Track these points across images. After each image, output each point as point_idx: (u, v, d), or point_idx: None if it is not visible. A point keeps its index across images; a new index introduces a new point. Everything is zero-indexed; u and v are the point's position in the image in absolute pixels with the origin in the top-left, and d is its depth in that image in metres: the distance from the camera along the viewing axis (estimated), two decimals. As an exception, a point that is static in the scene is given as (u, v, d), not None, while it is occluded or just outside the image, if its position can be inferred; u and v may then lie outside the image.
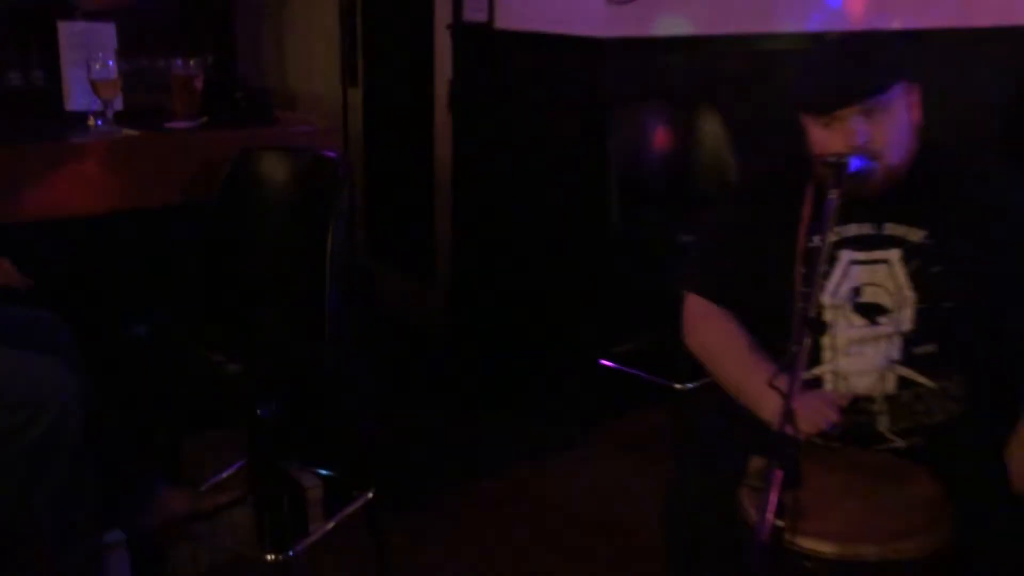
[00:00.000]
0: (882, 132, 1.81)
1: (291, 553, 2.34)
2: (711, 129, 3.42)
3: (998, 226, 1.89)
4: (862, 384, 1.89)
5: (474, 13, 3.71)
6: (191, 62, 3.09)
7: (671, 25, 3.40)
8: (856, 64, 1.86)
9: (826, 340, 1.90)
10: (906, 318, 1.87)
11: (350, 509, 2.57)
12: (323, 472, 2.68)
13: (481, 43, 3.75)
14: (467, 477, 3.11)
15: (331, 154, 2.53)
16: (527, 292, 3.79)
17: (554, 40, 3.43)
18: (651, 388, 3.31)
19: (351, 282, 2.33)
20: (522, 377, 3.76)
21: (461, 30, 3.82)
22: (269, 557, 2.33)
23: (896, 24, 3.91)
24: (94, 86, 2.82)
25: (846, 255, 1.91)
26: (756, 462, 1.69)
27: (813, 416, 1.76)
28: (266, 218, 2.55)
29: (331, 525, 2.57)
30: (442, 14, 3.90)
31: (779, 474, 1.39)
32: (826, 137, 1.84)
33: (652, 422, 3.43)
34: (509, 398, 3.65)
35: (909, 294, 1.87)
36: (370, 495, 2.58)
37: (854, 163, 1.76)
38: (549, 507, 2.97)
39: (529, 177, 3.68)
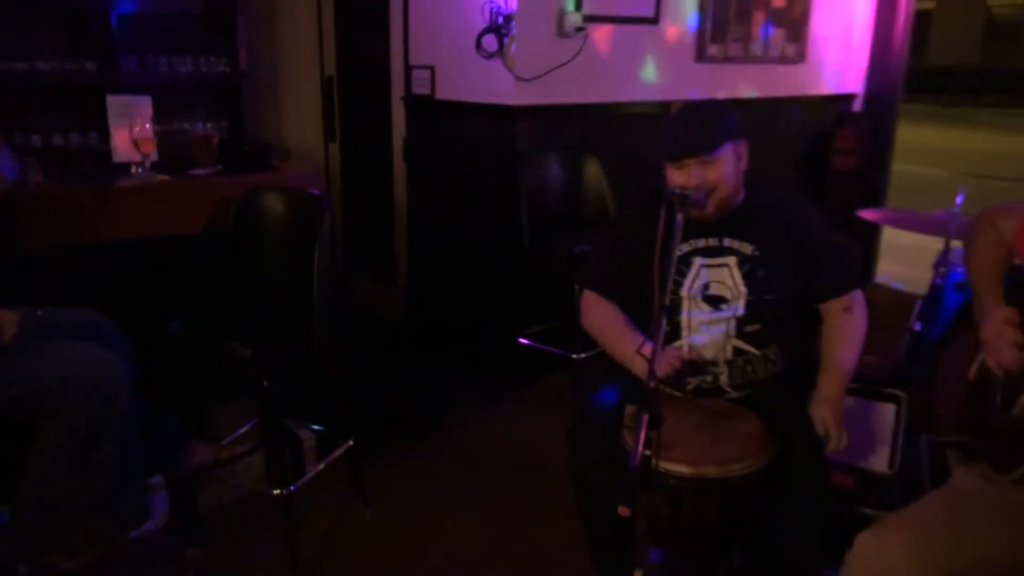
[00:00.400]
0: (714, 175, 1.85)
1: (291, 489, 2.30)
2: (593, 171, 3.44)
3: (799, 239, 1.95)
4: (709, 353, 1.92)
5: (421, 88, 3.69)
6: (209, 124, 3.04)
7: (563, 96, 3.42)
8: (697, 127, 1.89)
9: (683, 321, 1.93)
10: (740, 306, 1.91)
11: (336, 455, 2.54)
12: (315, 427, 2.64)
13: (426, 110, 3.72)
14: (424, 430, 3.07)
15: (316, 192, 2.50)
16: (465, 291, 3.78)
17: (479, 107, 3.42)
18: (556, 359, 3.33)
19: (334, 286, 2.29)
20: (462, 354, 3.74)
21: (411, 100, 3.79)
22: (275, 492, 2.29)
23: (723, 94, 4.00)
24: (135, 143, 2.74)
25: (698, 260, 1.94)
26: (630, 409, 1.70)
27: (663, 364, 1.79)
28: (268, 240, 2.50)
29: (321, 467, 2.53)
30: (397, 88, 3.87)
31: (646, 417, 1.40)
32: (677, 176, 1.87)
33: (558, 384, 3.43)
34: (453, 370, 3.63)
35: (742, 290, 1.91)
36: (350, 443, 2.55)
37: (694, 195, 1.79)
38: (484, 450, 2.95)
39: (465, 207, 3.67)
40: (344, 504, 2.55)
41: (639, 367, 1.72)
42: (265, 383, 2.20)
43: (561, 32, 3.31)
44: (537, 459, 2.83)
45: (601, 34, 3.46)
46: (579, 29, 3.30)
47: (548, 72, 3.31)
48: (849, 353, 1.91)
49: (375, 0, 3.85)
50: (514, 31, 3.20)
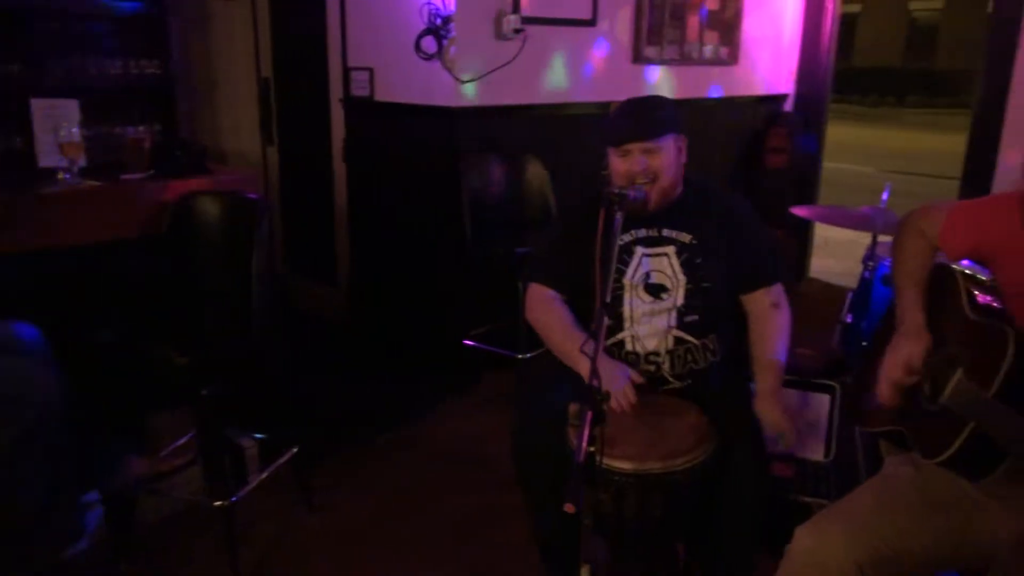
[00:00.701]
0: (657, 164, 1.88)
1: (233, 499, 2.24)
2: (535, 172, 3.45)
3: (732, 228, 2.00)
4: (651, 343, 1.95)
5: (359, 89, 3.65)
6: (140, 128, 2.95)
7: (503, 97, 3.42)
8: (640, 116, 1.93)
9: (626, 312, 1.95)
10: (679, 296, 1.94)
11: (280, 462, 2.48)
12: (257, 435, 2.58)
13: (365, 111, 3.68)
14: (370, 433, 3.03)
15: (253, 196, 2.44)
16: (408, 292, 3.75)
17: (419, 109, 3.40)
18: (501, 358, 3.33)
19: (272, 290, 2.25)
20: (407, 355, 3.71)
21: (350, 102, 3.74)
22: (216, 503, 2.23)
23: (660, 95, 4.05)
24: (61, 148, 2.63)
25: (640, 250, 1.97)
26: (574, 407, 1.70)
27: (621, 399, 1.80)
28: (204, 245, 2.44)
29: (265, 475, 2.47)
30: (335, 90, 3.81)
31: (590, 414, 1.40)
32: (620, 163, 1.90)
33: (504, 383, 3.43)
34: (398, 372, 3.58)
35: (681, 278, 1.95)
36: (294, 450, 2.50)
37: (632, 194, 1.81)
38: (432, 451, 2.93)
39: (406, 208, 3.63)
40: (290, 512, 2.50)
41: (583, 366, 1.73)
42: (203, 391, 2.14)
43: (500, 34, 3.31)
44: (486, 458, 2.82)
45: (540, 36, 3.47)
46: (517, 31, 3.31)
47: (488, 74, 3.31)
48: (782, 348, 1.96)
49: (311, 1, 3.79)
50: (453, 33, 3.19)
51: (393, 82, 3.51)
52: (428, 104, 3.35)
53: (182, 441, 2.50)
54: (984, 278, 1.64)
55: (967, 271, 1.71)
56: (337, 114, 3.85)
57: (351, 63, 3.68)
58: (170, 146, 3.23)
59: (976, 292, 1.60)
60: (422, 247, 3.60)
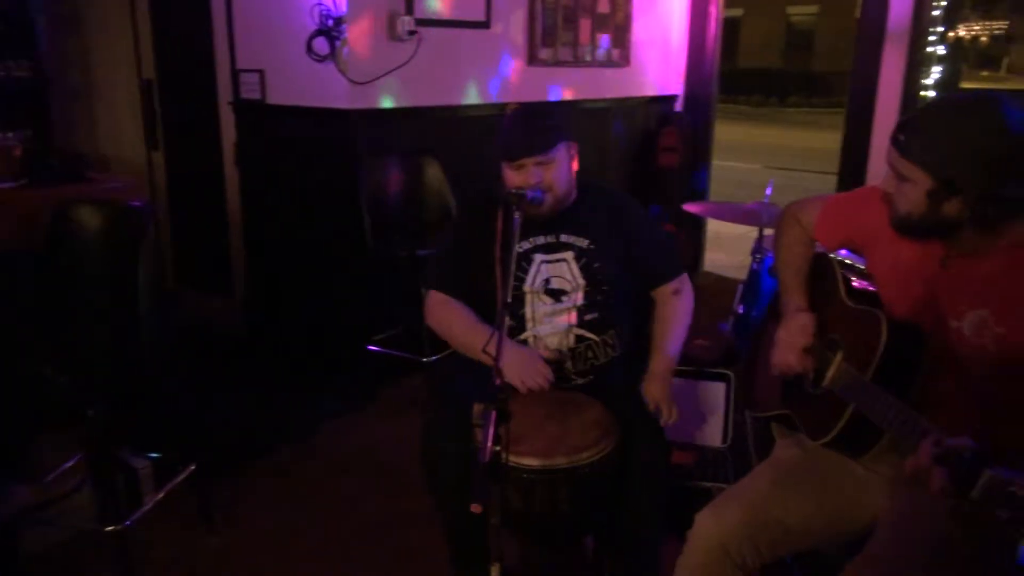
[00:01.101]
0: (551, 175, 1.91)
1: (127, 523, 2.13)
2: (433, 173, 3.44)
3: (627, 231, 2.05)
4: (553, 342, 1.98)
5: (250, 92, 3.54)
6: (10, 134, 2.76)
7: (400, 99, 3.40)
8: (532, 129, 1.93)
9: (528, 313, 1.98)
10: (579, 297, 1.98)
11: (176, 481, 2.38)
12: (152, 455, 2.46)
13: (257, 115, 3.57)
14: (272, 446, 2.94)
15: (136, 204, 2.32)
16: (308, 300, 3.66)
17: (313, 112, 3.33)
18: (407, 363, 3.30)
19: (161, 303, 2.15)
20: (309, 365, 3.62)
21: (240, 105, 3.62)
22: (108, 528, 2.11)
23: (555, 96, 4.12)
24: (-82, 156, 2.44)
25: (538, 256, 1.99)
26: (478, 407, 1.71)
27: (530, 375, 1.82)
28: (84, 257, 2.30)
29: (161, 496, 2.36)
30: (224, 92, 3.69)
31: (494, 413, 1.41)
32: (514, 176, 1.91)
33: (411, 387, 3.40)
34: (300, 382, 3.50)
35: (580, 282, 1.99)
36: (192, 468, 2.40)
37: (530, 194, 1.84)
38: (337, 460, 2.87)
39: (303, 213, 3.55)
40: (190, 533, 2.40)
41: (487, 360, 1.74)
42: (89, 412, 2.03)
43: (393, 35, 3.28)
44: (393, 464, 2.79)
45: (434, 38, 3.46)
46: (412, 32, 3.29)
47: (383, 76, 3.27)
48: (675, 333, 2.03)
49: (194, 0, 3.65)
50: (345, 34, 3.14)
51: (285, 84, 3.42)
52: (323, 107, 3.29)
53: (69, 464, 2.36)
54: (861, 266, 1.75)
55: (846, 260, 1.82)
56: (227, 117, 3.72)
57: (240, 65, 3.57)
58: (44, 153, 3.06)
59: (852, 279, 1.70)
60: (321, 253, 3.53)
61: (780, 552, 1.57)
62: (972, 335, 1.39)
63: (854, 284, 1.69)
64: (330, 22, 3.13)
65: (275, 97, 3.47)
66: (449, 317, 2.02)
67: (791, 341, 1.65)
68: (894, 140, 1.37)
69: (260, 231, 3.79)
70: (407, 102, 3.43)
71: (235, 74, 3.59)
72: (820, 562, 1.65)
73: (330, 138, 3.34)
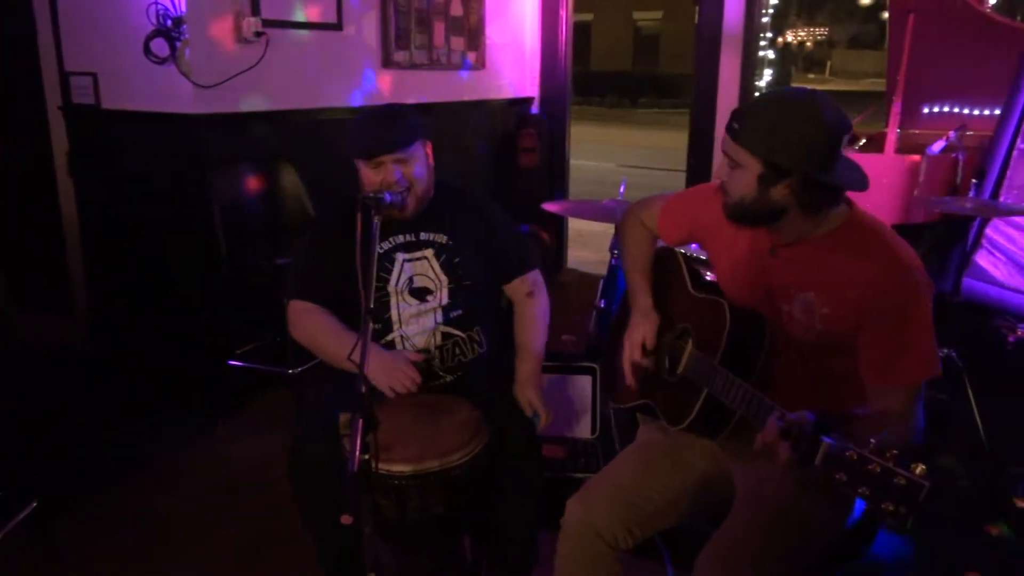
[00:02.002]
0: (411, 172, 1.90)
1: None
2: (289, 179, 3.34)
3: (485, 225, 2.08)
4: (420, 341, 1.97)
5: (82, 96, 3.29)
6: None
7: (250, 103, 3.27)
8: (390, 126, 1.92)
9: (394, 315, 1.96)
10: (443, 295, 1.98)
11: (16, 521, 2.18)
12: (-17, 495, 2.25)
13: (92, 120, 3.33)
14: (125, 474, 2.76)
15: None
16: (160, 315, 3.45)
17: (156, 117, 3.14)
18: (272, 376, 3.17)
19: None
20: (164, 384, 3.41)
21: (72, 110, 3.37)
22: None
23: (412, 99, 4.10)
24: None
25: (400, 256, 1.98)
26: (344, 416, 1.68)
27: (397, 379, 1.80)
28: None
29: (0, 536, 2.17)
30: (53, 97, 3.41)
31: (360, 422, 1.39)
32: (373, 174, 1.89)
33: (277, 400, 3.29)
34: (154, 403, 3.29)
35: (443, 279, 1.99)
36: (34, 504, 2.21)
37: (388, 197, 1.81)
38: (200, 482, 2.74)
39: (150, 224, 3.34)
40: (40, 573, 2.21)
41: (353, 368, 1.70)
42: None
43: (239, 37, 3.15)
44: (260, 482, 2.68)
45: (284, 40, 3.36)
46: (259, 34, 3.17)
47: (231, 79, 3.14)
48: (537, 335, 2.07)
49: (13, -3, 3.36)
50: (186, 35, 2.98)
51: (122, 88, 3.21)
52: (166, 111, 3.11)
53: None
54: (704, 258, 1.85)
55: (691, 254, 1.92)
56: (57, 123, 3.45)
57: (70, 67, 3.32)
58: None
59: (697, 270, 1.80)
60: (173, 265, 3.34)
61: (650, 530, 1.64)
62: (801, 317, 1.52)
63: (699, 275, 1.79)
64: (169, 22, 2.97)
65: (111, 102, 3.25)
66: (312, 327, 1.96)
67: (637, 345, 1.73)
68: (728, 128, 1.47)
69: (102, 244, 3.54)
70: (259, 106, 3.31)
71: (64, 77, 3.33)
72: (689, 536, 1.74)
73: (176, 144, 3.16)
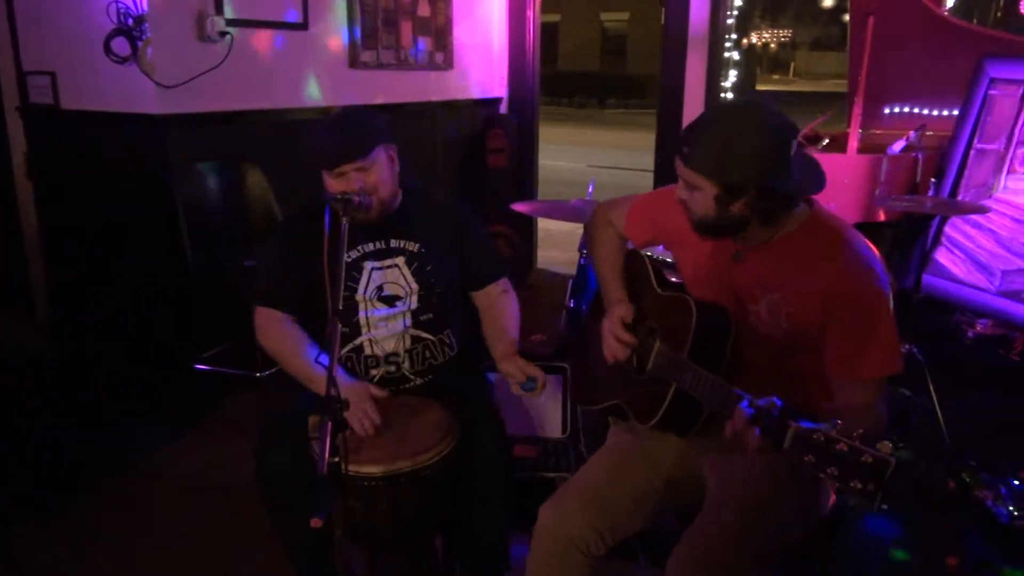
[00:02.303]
0: (373, 180, 1.89)
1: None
2: (256, 180, 3.30)
3: (456, 229, 2.08)
4: (389, 345, 1.96)
5: (40, 96, 3.23)
6: None
7: (215, 103, 3.23)
8: (349, 134, 1.89)
9: (363, 320, 1.95)
10: (413, 301, 1.98)
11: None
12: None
13: (51, 121, 3.27)
14: (90, 482, 2.71)
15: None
16: (125, 319, 3.40)
17: (117, 117, 3.09)
18: (239, 379, 3.13)
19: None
20: (129, 389, 3.35)
21: (30, 110, 3.30)
22: None
23: (380, 99, 4.08)
24: None
25: (369, 264, 1.96)
26: (313, 419, 1.67)
27: (355, 417, 1.75)
28: None
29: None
30: (10, 97, 3.34)
31: (329, 424, 1.38)
32: (335, 184, 1.87)
33: (245, 404, 3.23)
34: (118, 409, 3.23)
35: (414, 286, 1.98)
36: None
37: (356, 198, 1.81)
38: (168, 488, 2.69)
39: (113, 227, 3.29)
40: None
41: (318, 385, 1.67)
42: None
43: (203, 36, 3.11)
44: (229, 486, 2.65)
45: (250, 39, 3.32)
46: (223, 33, 3.13)
47: (195, 78, 3.09)
48: (513, 322, 2.07)
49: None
50: (148, 34, 2.93)
51: (82, 88, 3.15)
52: (128, 112, 3.06)
53: None
54: (670, 260, 1.88)
55: (657, 256, 1.94)
56: (15, 124, 3.38)
57: (27, 67, 3.25)
58: None
59: (662, 270, 1.82)
60: (137, 268, 3.29)
61: (622, 534, 1.65)
62: (768, 316, 1.55)
63: (664, 274, 1.81)
64: (130, 21, 2.92)
65: (71, 102, 3.19)
66: (279, 343, 1.94)
67: (614, 331, 1.73)
68: (679, 152, 1.48)
69: (63, 247, 3.48)
70: (224, 106, 3.26)
71: (21, 76, 3.27)
72: (662, 537, 1.75)
73: (139, 145, 3.11)
